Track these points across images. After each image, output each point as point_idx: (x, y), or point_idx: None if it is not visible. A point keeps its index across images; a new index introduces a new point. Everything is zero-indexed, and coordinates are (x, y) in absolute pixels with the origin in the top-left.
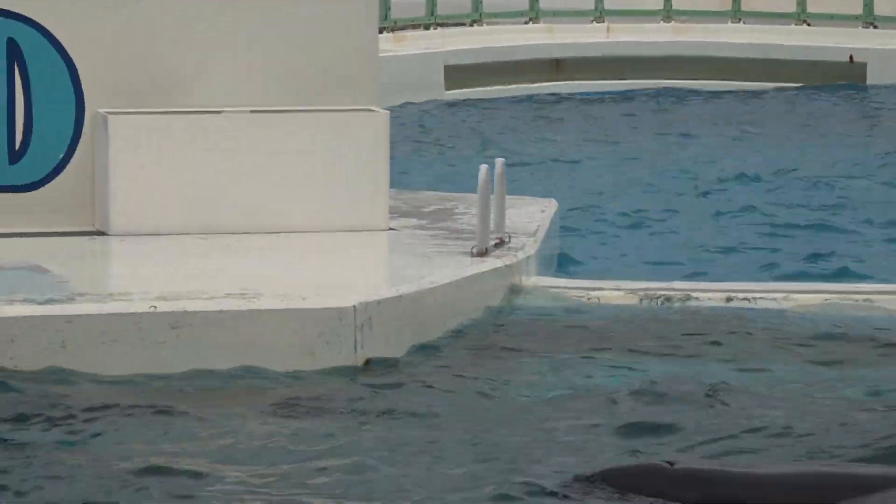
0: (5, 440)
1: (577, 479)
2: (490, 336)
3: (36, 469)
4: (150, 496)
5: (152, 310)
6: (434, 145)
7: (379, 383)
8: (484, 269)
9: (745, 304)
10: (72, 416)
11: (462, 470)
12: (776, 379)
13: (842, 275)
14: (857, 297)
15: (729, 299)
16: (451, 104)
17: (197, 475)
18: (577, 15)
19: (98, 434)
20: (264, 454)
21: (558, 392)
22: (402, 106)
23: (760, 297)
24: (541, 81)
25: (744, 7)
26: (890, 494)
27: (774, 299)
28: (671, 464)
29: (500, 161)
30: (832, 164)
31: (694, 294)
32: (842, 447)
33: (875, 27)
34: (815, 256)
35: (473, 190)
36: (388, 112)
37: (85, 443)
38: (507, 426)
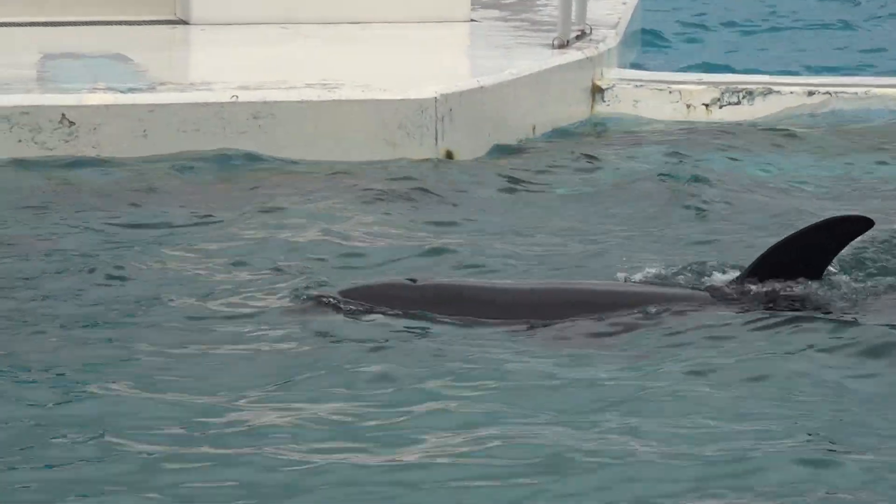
0: (91, 228)
1: (334, 293)
2: (570, 129)
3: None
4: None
5: (234, 100)
6: None
7: (461, 174)
8: (565, 61)
9: (827, 98)
10: (155, 202)
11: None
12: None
13: None
14: None
15: (810, 93)
16: None
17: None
18: None
19: (184, 224)
20: (349, 237)
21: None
22: None
23: (841, 91)
24: None
25: None
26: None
27: (855, 93)
28: (414, 280)
29: None
30: None
31: (775, 88)
32: None
33: None
34: None
35: None
36: None
37: (175, 232)
38: (579, 215)
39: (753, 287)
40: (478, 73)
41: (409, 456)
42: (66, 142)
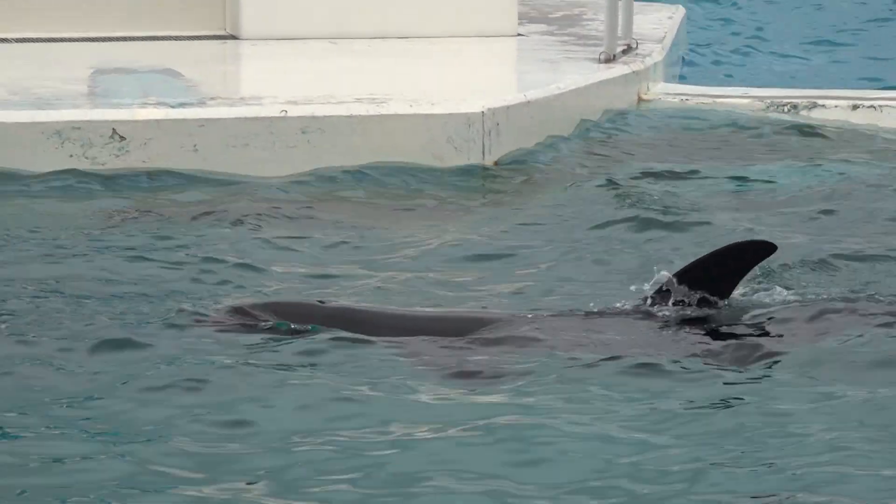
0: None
1: (237, 309)
2: (616, 142)
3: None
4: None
5: (283, 114)
6: None
7: (507, 185)
8: (611, 76)
9: (872, 112)
10: (207, 215)
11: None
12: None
13: None
14: None
15: (855, 107)
16: None
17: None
18: None
19: (241, 239)
20: (398, 250)
21: (681, 189)
22: None
23: (887, 105)
24: None
25: None
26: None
27: None
28: (322, 302)
29: None
30: None
31: (820, 102)
32: None
33: None
34: None
35: None
36: None
37: (229, 238)
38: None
39: (663, 307)
40: (524, 88)
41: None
42: (117, 156)
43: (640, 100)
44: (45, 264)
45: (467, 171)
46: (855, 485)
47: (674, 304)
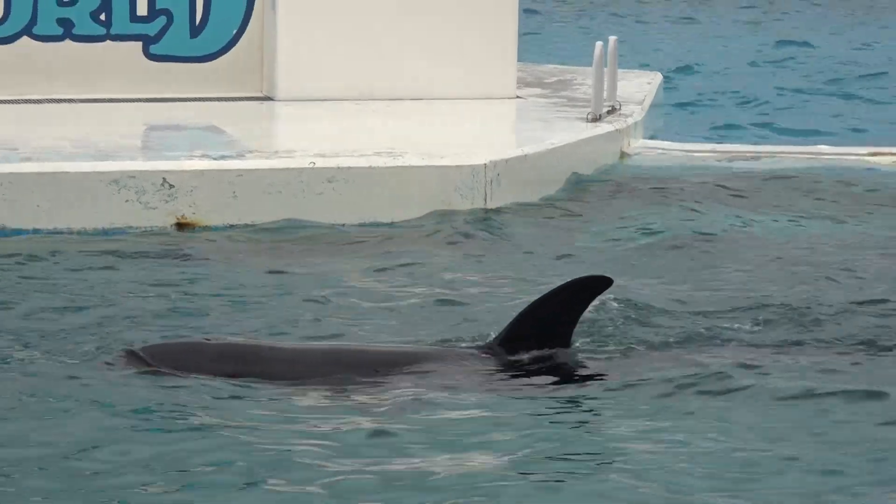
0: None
1: (126, 353)
2: (602, 188)
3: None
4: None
5: (311, 165)
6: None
7: (504, 224)
8: (597, 133)
9: (828, 162)
10: (250, 257)
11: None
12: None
13: None
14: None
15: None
16: None
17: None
18: None
19: (276, 271)
20: (422, 269)
21: (660, 233)
22: None
23: (844, 157)
24: None
25: None
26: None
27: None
28: (208, 340)
29: (612, 38)
30: None
31: (779, 155)
32: None
33: None
34: None
35: (590, 64)
36: None
37: (255, 276)
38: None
39: (503, 356)
40: (522, 143)
41: None
42: (167, 202)
43: (622, 153)
44: None
45: (471, 214)
46: None
47: (514, 347)
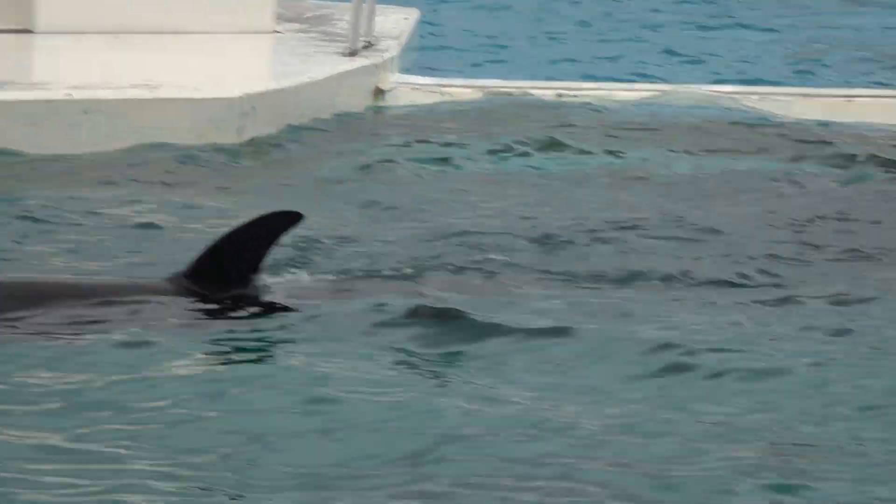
0: None
1: None
2: (357, 122)
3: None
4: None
5: (67, 97)
6: None
7: (259, 158)
8: (353, 67)
9: (573, 100)
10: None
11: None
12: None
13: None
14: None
15: (559, 95)
16: None
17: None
18: None
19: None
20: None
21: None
22: None
23: (585, 94)
24: None
25: None
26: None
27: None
28: None
29: None
30: None
31: (531, 91)
32: None
33: None
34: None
35: None
36: None
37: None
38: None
39: (189, 288)
40: (278, 77)
41: None
42: None
43: (376, 89)
44: None
45: (224, 147)
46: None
47: (200, 279)
